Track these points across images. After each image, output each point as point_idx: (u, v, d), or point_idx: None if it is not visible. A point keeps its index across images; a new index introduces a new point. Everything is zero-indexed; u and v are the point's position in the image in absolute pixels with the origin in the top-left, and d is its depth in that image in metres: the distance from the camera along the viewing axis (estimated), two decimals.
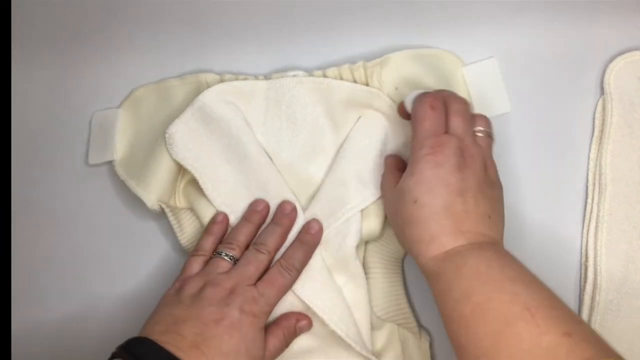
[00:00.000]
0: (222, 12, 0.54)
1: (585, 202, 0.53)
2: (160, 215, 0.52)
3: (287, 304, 0.48)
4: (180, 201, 0.53)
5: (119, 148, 0.54)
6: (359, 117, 0.52)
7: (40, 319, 0.54)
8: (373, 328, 0.49)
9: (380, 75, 0.53)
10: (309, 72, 0.53)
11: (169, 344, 0.41)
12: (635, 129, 0.52)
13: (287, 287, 0.47)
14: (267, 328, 0.46)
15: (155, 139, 0.52)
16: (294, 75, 0.52)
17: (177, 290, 0.46)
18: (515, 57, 0.54)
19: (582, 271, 0.51)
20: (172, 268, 0.52)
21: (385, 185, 0.49)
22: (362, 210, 0.50)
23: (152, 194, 0.51)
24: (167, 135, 0.51)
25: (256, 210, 0.50)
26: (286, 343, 0.47)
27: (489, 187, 0.45)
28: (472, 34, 0.55)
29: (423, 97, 0.46)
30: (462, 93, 0.51)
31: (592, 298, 0.50)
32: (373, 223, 0.50)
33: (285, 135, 0.52)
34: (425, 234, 0.43)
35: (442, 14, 0.55)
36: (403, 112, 0.49)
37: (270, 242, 0.48)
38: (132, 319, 0.47)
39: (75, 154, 0.56)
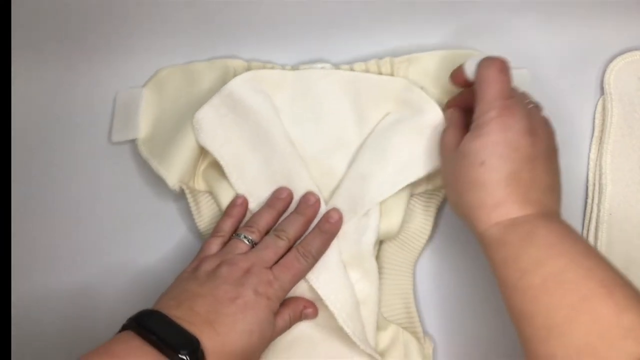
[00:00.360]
0: (224, 11, 0.54)
1: (585, 202, 0.53)
2: (179, 196, 0.53)
3: (297, 292, 0.48)
4: (199, 184, 0.53)
5: (143, 127, 0.54)
6: (387, 114, 0.52)
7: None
8: (378, 328, 0.49)
9: (407, 72, 0.52)
10: (336, 66, 0.53)
11: (181, 319, 0.41)
12: (635, 129, 0.52)
13: (303, 273, 0.47)
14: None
15: (180, 120, 0.52)
16: (322, 68, 0.53)
17: (194, 268, 0.46)
18: (515, 57, 0.54)
19: None
20: (189, 250, 0.53)
21: (447, 143, 0.47)
22: (381, 207, 0.50)
23: (174, 173, 0.51)
24: (194, 120, 0.50)
25: (279, 198, 0.50)
26: (289, 325, 0.47)
27: (555, 156, 0.45)
28: (472, 33, 0.55)
29: (490, 61, 0.45)
30: None
31: None
32: (392, 220, 0.50)
33: (311, 127, 0.52)
34: (489, 199, 0.42)
35: (442, 13, 0.55)
36: (459, 79, 0.48)
37: (290, 230, 0.48)
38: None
39: (75, 153, 0.56)
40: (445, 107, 0.50)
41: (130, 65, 0.57)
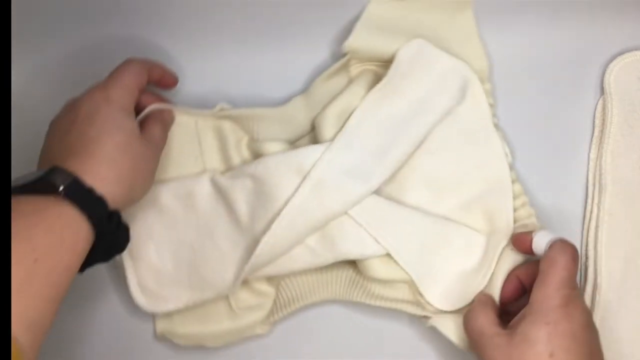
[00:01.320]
0: (225, 11, 0.54)
1: (585, 202, 0.53)
2: None
3: (356, 238, 0.48)
4: None
5: None
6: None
7: None
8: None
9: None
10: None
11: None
12: (636, 129, 0.52)
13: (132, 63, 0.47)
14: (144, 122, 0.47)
15: None
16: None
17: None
18: (515, 57, 0.54)
19: (582, 271, 0.51)
20: None
21: (484, 325, 0.44)
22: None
23: None
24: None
25: None
26: (167, 125, 0.49)
27: (600, 348, 0.44)
28: None
29: (566, 246, 0.44)
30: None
31: (592, 298, 0.50)
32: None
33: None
34: None
35: None
36: (523, 247, 0.47)
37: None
38: None
39: None
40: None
41: None
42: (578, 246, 0.52)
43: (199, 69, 0.55)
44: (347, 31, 0.52)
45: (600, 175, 0.52)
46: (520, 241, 0.47)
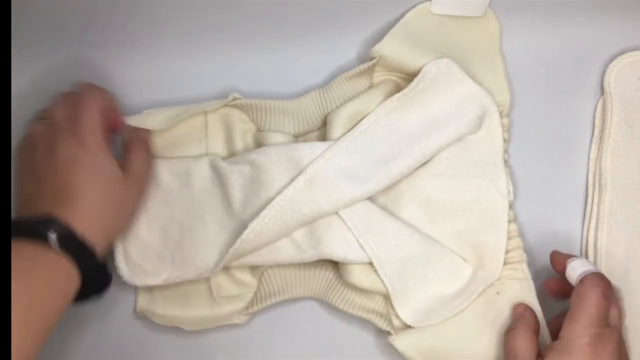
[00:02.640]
0: (225, 11, 0.54)
1: (585, 202, 0.53)
2: None
3: (342, 241, 0.49)
4: None
5: None
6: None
7: None
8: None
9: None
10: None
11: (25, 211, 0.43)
12: (636, 129, 0.52)
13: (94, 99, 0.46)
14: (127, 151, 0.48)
15: None
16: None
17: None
18: (515, 57, 0.54)
19: None
20: None
21: (523, 350, 0.44)
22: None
23: None
24: None
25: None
26: (149, 152, 0.49)
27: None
28: None
29: (597, 281, 0.43)
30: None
31: None
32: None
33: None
34: None
35: None
36: (558, 268, 0.47)
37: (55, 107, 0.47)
38: None
39: None
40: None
41: (131, 65, 0.57)
42: (578, 247, 0.52)
43: (216, 68, 0.56)
44: (379, 36, 0.52)
45: (600, 175, 0.52)
46: (557, 262, 0.47)
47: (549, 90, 0.54)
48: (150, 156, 0.49)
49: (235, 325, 0.51)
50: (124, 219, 0.46)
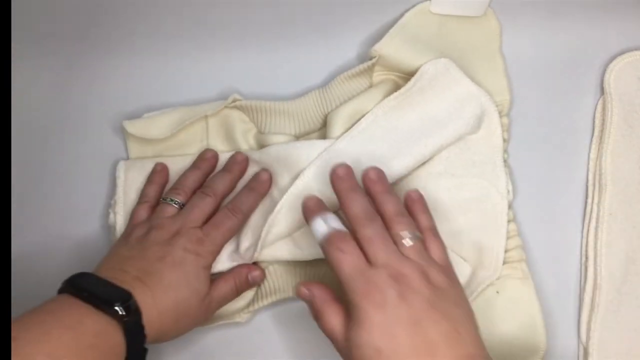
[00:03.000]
0: (225, 11, 0.54)
1: (585, 202, 0.53)
2: None
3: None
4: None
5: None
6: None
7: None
8: None
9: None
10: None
11: (112, 278, 0.42)
12: (636, 129, 0.52)
13: (233, 229, 0.48)
14: (219, 278, 0.48)
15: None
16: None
17: (126, 236, 0.47)
18: (515, 57, 0.54)
19: (582, 271, 0.51)
20: None
21: (335, 332, 0.41)
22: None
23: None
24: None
25: (204, 159, 0.51)
26: (237, 291, 0.49)
27: (440, 298, 0.40)
28: None
29: (328, 242, 0.42)
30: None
31: (592, 298, 0.50)
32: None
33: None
34: None
35: None
36: None
37: (217, 185, 0.49)
38: None
39: (75, 152, 0.56)
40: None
41: (130, 65, 0.57)
42: (578, 246, 0.52)
43: (215, 69, 0.56)
44: (378, 35, 0.52)
45: (600, 175, 0.52)
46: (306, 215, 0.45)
47: (549, 90, 0.54)
48: (233, 296, 0.49)
49: (237, 324, 0.51)
50: (178, 329, 0.46)
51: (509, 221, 0.50)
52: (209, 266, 0.47)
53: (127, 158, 0.54)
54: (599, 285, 0.50)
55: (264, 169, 0.50)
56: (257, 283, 0.50)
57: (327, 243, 0.42)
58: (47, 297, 0.53)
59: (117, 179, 0.52)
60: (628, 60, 0.53)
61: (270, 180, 0.50)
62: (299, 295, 0.44)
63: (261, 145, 0.52)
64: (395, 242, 0.42)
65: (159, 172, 0.52)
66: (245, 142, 0.53)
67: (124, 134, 0.54)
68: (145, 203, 0.50)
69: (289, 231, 0.49)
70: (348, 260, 0.41)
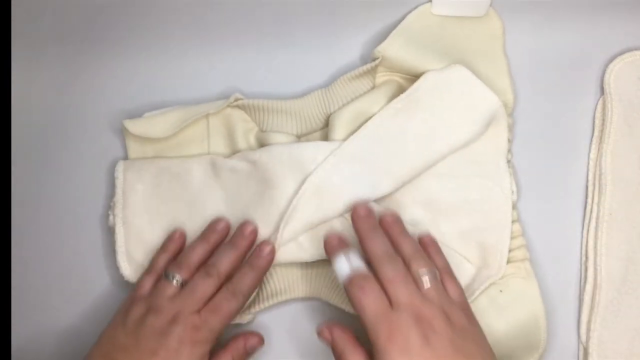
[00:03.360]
0: (224, 11, 0.54)
1: (585, 202, 0.53)
2: None
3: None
4: None
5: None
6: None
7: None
8: None
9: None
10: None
11: None
12: (635, 129, 0.52)
13: (233, 313, 0.46)
14: (216, 353, 0.47)
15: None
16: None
17: (125, 311, 0.46)
18: (515, 57, 0.54)
19: (582, 271, 0.51)
20: None
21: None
22: None
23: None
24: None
25: (214, 230, 0.49)
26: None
27: (462, 338, 0.41)
28: None
29: (351, 283, 0.43)
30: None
31: (592, 298, 0.50)
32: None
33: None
34: None
35: None
36: None
37: (221, 264, 0.47)
38: None
39: (76, 153, 0.56)
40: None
41: (131, 65, 0.57)
42: (578, 246, 0.52)
43: (217, 69, 0.56)
44: (381, 36, 0.52)
45: (600, 175, 0.52)
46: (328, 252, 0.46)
47: (549, 90, 0.54)
48: None
49: (238, 325, 0.51)
50: None
51: (513, 221, 0.50)
52: (206, 353, 0.45)
53: (127, 158, 0.54)
54: (599, 285, 0.50)
55: (266, 242, 0.49)
56: (254, 351, 0.49)
57: (349, 284, 0.43)
58: (47, 298, 0.53)
59: (116, 180, 0.52)
60: (628, 60, 0.53)
61: (273, 253, 0.49)
62: (320, 336, 0.44)
63: (262, 144, 0.52)
64: (415, 281, 0.43)
65: (175, 240, 0.50)
66: (246, 142, 0.53)
67: (124, 134, 0.54)
68: (152, 274, 0.48)
69: (296, 235, 0.49)
70: (371, 302, 0.41)
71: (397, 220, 0.47)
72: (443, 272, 0.45)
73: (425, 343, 0.40)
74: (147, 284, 0.48)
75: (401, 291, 0.42)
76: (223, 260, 0.47)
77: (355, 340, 0.43)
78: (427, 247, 0.47)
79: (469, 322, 0.43)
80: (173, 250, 0.49)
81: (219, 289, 0.47)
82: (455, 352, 0.40)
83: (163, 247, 0.50)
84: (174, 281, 0.46)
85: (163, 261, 0.49)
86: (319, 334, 0.44)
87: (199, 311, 0.45)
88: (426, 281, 0.43)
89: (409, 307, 0.41)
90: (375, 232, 0.45)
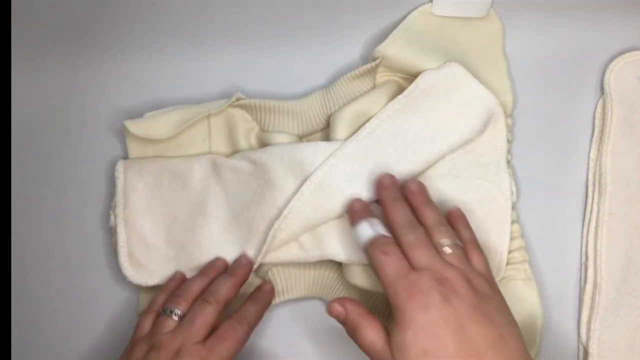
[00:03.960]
0: (224, 11, 0.54)
1: (585, 202, 0.53)
2: None
3: (344, 241, 0.49)
4: None
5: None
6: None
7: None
8: None
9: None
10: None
11: None
12: (635, 129, 0.52)
13: (241, 341, 0.45)
14: None
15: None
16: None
17: (128, 354, 0.45)
18: (515, 57, 0.54)
19: (582, 271, 0.51)
20: None
21: (376, 345, 0.41)
22: None
23: None
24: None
25: (214, 266, 0.49)
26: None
27: (484, 303, 0.40)
28: None
29: (373, 245, 0.43)
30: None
31: (592, 298, 0.50)
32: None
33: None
34: None
35: None
36: None
37: (218, 291, 0.46)
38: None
39: (76, 153, 0.56)
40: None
41: (131, 65, 0.57)
42: (578, 246, 0.52)
43: (217, 69, 0.56)
44: (381, 36, 0.52)
45: (600, 175, 0.52)
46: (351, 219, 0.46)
47: (549, 90, 0.54)
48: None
49: None
50: None
51: (512, 222, 0.50)
52: None
53: (127, 158, 0.54)
54: (599, 285, 0.50)
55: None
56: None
57: (371, 246, 0.43)
58: (47, 299, 0.53)
59: (117, 180, 0.52)
60: (628, 60, 0.53)
61: (273, 291, 0.49)
62: (331, 313, 0.43)
63: (263, 144, 0.52)
64: (437, 250, 0.43)
65: (176, 280, 0.49)
66: (247, 142, 0.53)
67: (124, 134, 0.54)
68: (151, 313, 0.47)
69: (296, 236, 0.49)
70: (391, 263, 0.41)
71: (422, 190, 0.47)
72: (469, 244, 0.45)
73: (446, 302, 0.39)
74: (147, 324, 0.46)
75: (423, 255, 0.42)
76: (220, 287, 0.47)
77: (368, 311, 0.43)
78: (455, 219, 0.47)
79: (492, 291, 0.42)
80: (172, 289, 0.48)
81: (219, 318, 0.46)
82: (477, 314, 0.39)
83: (164, 287, 0.49)
84: (173, 315, 0.45)
85: (162, 299, 0.48)
86: (330, 310, 0.43)
87: (203, 341, 0.44)
88: (447, 250, 0.43)
89: (430, 269, 0.41)
90: (399, 202, 0.45)
